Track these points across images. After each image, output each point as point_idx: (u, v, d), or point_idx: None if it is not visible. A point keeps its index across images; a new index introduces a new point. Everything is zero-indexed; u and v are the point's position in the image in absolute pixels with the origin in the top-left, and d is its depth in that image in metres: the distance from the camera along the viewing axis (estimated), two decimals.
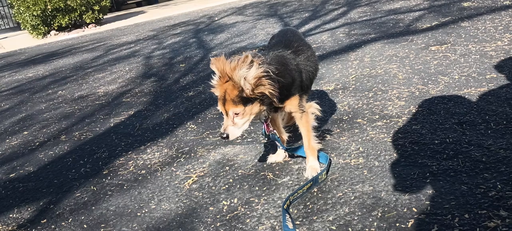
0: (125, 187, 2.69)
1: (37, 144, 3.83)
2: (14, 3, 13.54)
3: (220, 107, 2.17)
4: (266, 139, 2.89)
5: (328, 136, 2.82)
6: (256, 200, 2.24)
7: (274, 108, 2.25)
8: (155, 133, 3.53)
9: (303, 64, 2.35)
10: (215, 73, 2.17)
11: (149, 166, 2.94)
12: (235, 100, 2.09)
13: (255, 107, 2.14)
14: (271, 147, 2.81)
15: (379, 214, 1.92)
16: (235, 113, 2.12)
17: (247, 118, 2.16)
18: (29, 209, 2.64)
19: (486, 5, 5.68)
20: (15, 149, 3.78)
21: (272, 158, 2.61)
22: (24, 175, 3.18)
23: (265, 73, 2.06)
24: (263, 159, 2.67)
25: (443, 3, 6.47)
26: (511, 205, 1.79)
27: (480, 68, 3.45)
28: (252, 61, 2.02)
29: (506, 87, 2.98)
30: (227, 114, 2.15)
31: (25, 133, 4.22)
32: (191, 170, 2.74)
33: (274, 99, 2.14)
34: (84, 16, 13.88)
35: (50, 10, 13.00)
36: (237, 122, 2.15)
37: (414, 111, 2.91)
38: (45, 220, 2.47)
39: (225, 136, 2.17)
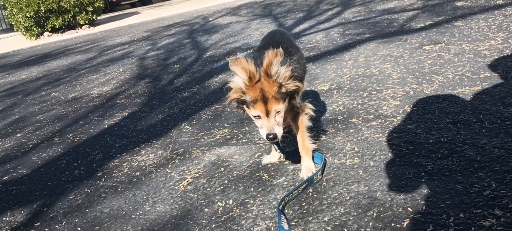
0: (119, 189, 2.67)
1: (30, 146, 3.80)
2: (6, 5, 13.46)
3: (259, 108, 2.02)
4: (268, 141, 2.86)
5: (323, 136, 2.82)
6: (252, 201, 2.23)
7: None
8: (150, 134, 3.51)
9: (294, 66, 2.34)
10: (235, 76, 2.05)
11: (143, 167, 2.92)
12: (277, 97, 2.01)
13: (287, 103, 2.10)
14: (266, 148, 2.80)
15: (375, 214, 1.92)
16: (277, 111, 2.03)
17: (283, 114, 2.08)
18: (22, 212, 2.62)
19: (479, 5, 5.71)
20: (8, 151, 3.75)
21: (267, 159, 2.61)
22: (17, 178, 3.15)
23: (290, 68, 2.04)
24: (258, 159, 2.66)
25: (436, 2, 6.50)
26: (506, 204, 1.80)
27: (474, 67, 3.47)
28: (282, 56, 1.98)
29: (500, 86, 2.99)
30: (268, 114, 2.03)
31: (18, 135, 4.18)
32: (186, 171, 2.72)
33: (297, 93, 2.13)
34: (77, 17, 13.82)
35: (43, 11, 12.93)
36: (278, 120, 2.05)
37: (409, 111, 2.92)
38: (38, 223, 2.44)
39: (272, 136, 2.02)
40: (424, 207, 1.89)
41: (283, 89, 2.03)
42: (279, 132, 2.06)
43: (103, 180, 2.85)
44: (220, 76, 4.97)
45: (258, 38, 6.88)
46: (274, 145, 2.50)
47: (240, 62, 2.01)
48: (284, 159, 2.60)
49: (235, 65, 2.01)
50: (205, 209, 2.25)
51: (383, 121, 2.85)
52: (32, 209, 2.63)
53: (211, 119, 3.57)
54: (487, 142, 2.31)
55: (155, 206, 2.39)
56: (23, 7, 12.73)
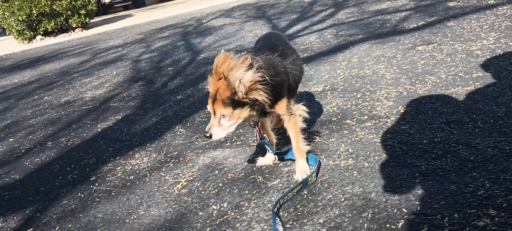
0: (113, 193, 2.65)
1: (23, 150, 3.76)
2: None
3: (210, 104, 2.12)
4: (258, 141, 2.87)
5: (317, 137, 2.81)
6: (246, 204, 2.22)
7: (263, 112, 2.23)
8: (143, 138, 3.49)
9: (289, 67, 2.34)
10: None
11: (137, 171, 2.90)
12: (225, 101, 2.04)
13: (244, 112, 2.10)
14: (260, 150, 2.79)
15: (370, 216, 1.92)
16: (222, 115, 2.08)
17: (234, 121, 2.12)
18: (15, 217, 2.59)
19: (471, 5, 5.74)
20: (1, 156, 3.72)
21: (261, 161, 2.60)
22: (10, 183, 3.12)
23: (261, 79, 2.02)
24: (252, 161, 2.66)
25: (429, 3, 6.53)
26: (500, 204, 1.80)
27: (467, 67, 3.48)
28: (251, 64, 1.98)
29: (492, 86, 3.01)
30: (214, 114, 2.11)
31: (11, 139, 4.15)
32: (180, 175, 2.71)
33: (266, 107, 2.11)
34: (70, 21, 13.76)
35: (35, 14, 12.85)
36: (223, 123, 2.11)
37: (403, 111, 2.92)
38: (31, 229, 2.42)
39: (208, 135, 2.13)
40: (418, 207, 1.89)
41: (238, 97, 2.03)
42: (217, 134, 2.13)
43: (97, 184, 2.83)
44: None
45: (252, 40, 6.87)
46: (267, 146, 2.49)
47: (222, 56, 2.04)
48: (278, 161, 2.59)
49: (217, 57, 2.05)
50: (200, 213, 2.24)
51: (377, 121, 2.85)
52: (24, 215, 2.60)
53: (205, 122, 3.56)
54: (481, 141, 2.32)
55: (149, 210, 2.37)
56: (15, 11, 12.65)
